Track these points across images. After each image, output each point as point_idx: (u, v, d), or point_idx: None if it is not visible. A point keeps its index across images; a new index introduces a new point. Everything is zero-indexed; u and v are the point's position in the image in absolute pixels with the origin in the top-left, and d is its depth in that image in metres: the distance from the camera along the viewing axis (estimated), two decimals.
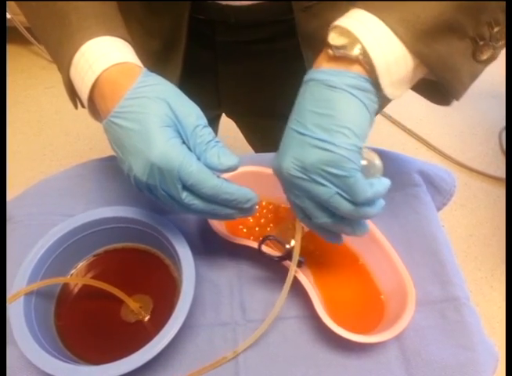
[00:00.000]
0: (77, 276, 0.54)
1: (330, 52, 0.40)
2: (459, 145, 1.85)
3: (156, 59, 0.64)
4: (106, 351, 0.49)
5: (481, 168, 1.76)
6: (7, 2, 0.51)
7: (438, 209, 0.64)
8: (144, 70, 0.44)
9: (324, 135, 0.38)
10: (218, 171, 0.42)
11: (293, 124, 0.41)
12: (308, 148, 0.39)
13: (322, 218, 0.42)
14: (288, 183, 0.42)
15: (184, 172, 0.40)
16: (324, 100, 0.39)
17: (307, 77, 0.42)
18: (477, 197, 1.70)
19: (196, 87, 0.71)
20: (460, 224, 1.62)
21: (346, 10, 0.56)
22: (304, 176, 0.39)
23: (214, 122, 0.92)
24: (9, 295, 0.46)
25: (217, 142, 0.43)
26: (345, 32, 0.40)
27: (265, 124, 0.81)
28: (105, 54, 0.44)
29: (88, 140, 1.84)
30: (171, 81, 0.64)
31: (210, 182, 0.41)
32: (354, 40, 0.39)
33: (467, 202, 1.68)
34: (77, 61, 0.45)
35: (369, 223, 0.54)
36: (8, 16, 1.60)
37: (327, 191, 0.39)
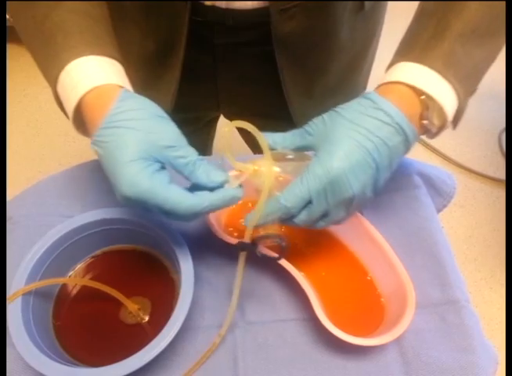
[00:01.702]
0: (75, 277, 0.54)
1: (425, 122, 0.45)
2: (459, 146, 1.85)
3: (155, 62, 0.64)
4: (104, 353, 0.49)
5: (481, 169, 1.76)
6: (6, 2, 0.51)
7: (438, 211, 0.64)
8: (121, 92, 0.44)
9: None
10: (210, 188, 0.43)
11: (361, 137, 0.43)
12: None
13: (340, 214, 0.45)
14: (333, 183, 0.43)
15: (156, 202, 0.41)
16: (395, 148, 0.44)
17: (400, 121, 0.43)
18: (477, 199, 1.69)
19: (195, 89, 0.71)
20: (460, 225, 1.62)
21: (321, 14, 0.59)
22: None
23: (212, 123, 0.92)
24: (7, 296, 0.46)
25: (202, 160, 0.44)
26: (435, 106, 0.45)
27: (264, 125, 0.80)
28: (89, 75, 0.44)
29: (87, 140, 1.79)
30: (170, 83, 0.65)
31: (183, 205, 0.41)
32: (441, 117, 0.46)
33: (467, 203, 1.68)
34: (63, 79, 0.45)
35: (370, 225, 0.54)
36: (7, 15, 1.60)
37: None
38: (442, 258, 0.56)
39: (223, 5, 0.57)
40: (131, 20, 0.61)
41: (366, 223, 0.54)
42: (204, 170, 0.43)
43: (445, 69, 0.44)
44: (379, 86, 0.47)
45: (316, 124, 0.47)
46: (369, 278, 0.53)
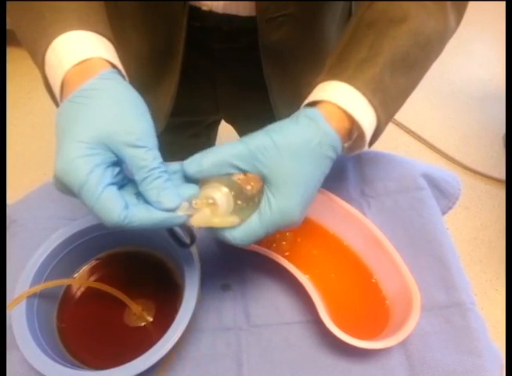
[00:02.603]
0: (79, 279, 0.54)
1: (346, 145, 0.48)
2: (464, 147, 1.84)
3: (155, 66, 0.64)
4: (108, 355, 0.49)
5: (486, 170, 1.76)
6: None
7: (443, 213, 0.63)
8: (105, 70, 0.40)
9: None
10: (157, 209, 0.38)
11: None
12: None
13: None
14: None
15: (83, 201, 0.36)
16: None
17: (339, 152, 0.44)
18: (482, 200, 1.69)
19: (194, 93, 0.71)
20: (465, 227, 1.61)
21: (309, 24, 0.60)
22: None
23: (213, 127, 0.93)
24: (10, 299, 0.46)
25: (162, 172, 0.38)
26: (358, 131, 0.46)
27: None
28: (75, 49, 0.40)
29: None
30: (169, 87, 0.65)
31: (109, 218, 0.35)
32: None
33: (471, 205, 1.67)
34: (48, 58, 0.41)
35: (374, 227, 0.53)
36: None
37: None
38: (447, 260, 0.55)
39: (220, 9, 0.57)
40: (130, 23, 0.61)
41: (371, 225, 0.53)
42: (157, 186, 0.37)
43: (373, 95, 0.45)
44: (317, 103, 0.45)
45: (269, 153, 0.40)
46: (373, 280, 0.53)
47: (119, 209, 0.36)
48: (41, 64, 0.42)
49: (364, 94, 0.44)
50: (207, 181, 0.41)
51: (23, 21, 0.45)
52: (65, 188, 0.37)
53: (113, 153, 0.37)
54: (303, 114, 0.43)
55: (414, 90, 0.51)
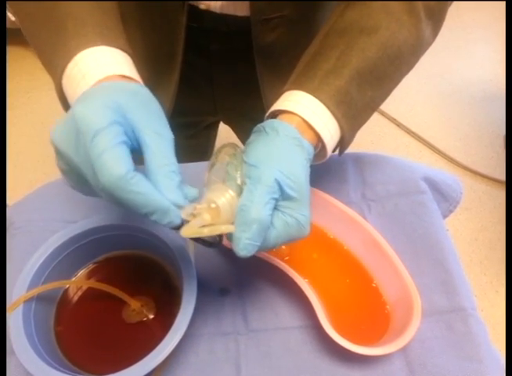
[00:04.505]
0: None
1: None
2: (464, 148, 1.84)
3: (154, 65, 0.64)
4: (104, 360, 0.48)
5: (486, 171, 1.75)
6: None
7: (444, 216, 0.63)
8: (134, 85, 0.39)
9: None
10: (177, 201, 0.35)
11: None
12: None
13: None
14: None
15: (94, 143, 0.33)
16: None
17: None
18: (482, 201, 1.68)
19: (193, 93, 0.72)
20: (465, 228, 1.61)
21: (304, 27, 0.60)
22: None
23: (212, 128, 0.93)
24: (8, 302, 0.46)
25: (179, 172, 0.36)
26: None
27: None
28: (100, 65, 0.40)
29: None
30: (169, 87, 0.64)
31: (119, 169, 0.32)
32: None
33: (472, 206, 1.67)
34: (69, 70, 0.41)
35: (375, 231, 0.53)
36: (12, 18, 1.60)
37: None
38: (449, 265, 0.55)
39: (217, 9, 0.57)
40: (130, 22, 0.61)
41: (371, 229, 0.53)
42: (172, 177, 0.35)
43: (337, 107, 0.45)
44: (282, 112, 0.45)
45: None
46: (374, 285, 0.53)
47: (129, 166, 0.33)
48: (59, 75, 0.42)
49: (327, 106, 0.44)
50: (213, 180, 0.40)
51: (43, 30, 0.44)
52: (68, 138, 0.36)
53: (131, 140, 0.36)
54: (285, 134, 0.42)
55: (385, 100, 0.50)
